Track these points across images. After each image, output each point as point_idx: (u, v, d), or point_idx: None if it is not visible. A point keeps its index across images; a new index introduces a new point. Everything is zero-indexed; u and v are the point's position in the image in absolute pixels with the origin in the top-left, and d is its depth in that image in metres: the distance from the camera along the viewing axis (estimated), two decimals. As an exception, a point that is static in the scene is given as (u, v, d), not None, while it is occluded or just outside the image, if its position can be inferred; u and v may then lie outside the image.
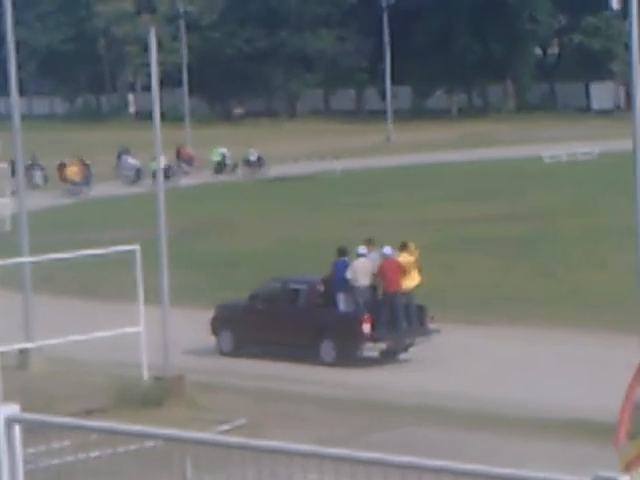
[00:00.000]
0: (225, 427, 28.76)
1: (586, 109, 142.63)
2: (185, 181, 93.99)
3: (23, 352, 36.19)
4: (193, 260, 49.46)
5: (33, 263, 39.02)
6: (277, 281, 38.72)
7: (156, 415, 28.90)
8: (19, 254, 39.12)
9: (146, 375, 33.55)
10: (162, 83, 41.47)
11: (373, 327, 38.07)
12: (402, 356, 39.06)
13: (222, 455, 10.35)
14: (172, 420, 27.00)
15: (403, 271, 39.64)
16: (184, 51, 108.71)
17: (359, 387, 35.63)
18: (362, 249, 40.88)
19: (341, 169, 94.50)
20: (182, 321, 37.73)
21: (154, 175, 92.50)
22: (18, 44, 43.99)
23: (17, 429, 10.08)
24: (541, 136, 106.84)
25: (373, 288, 39.34)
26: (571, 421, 28.79)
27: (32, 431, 10.44)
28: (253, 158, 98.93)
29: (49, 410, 22.01)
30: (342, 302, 38.85)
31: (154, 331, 34.86)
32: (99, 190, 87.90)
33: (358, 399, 33.74)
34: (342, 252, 40.88)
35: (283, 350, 36.60)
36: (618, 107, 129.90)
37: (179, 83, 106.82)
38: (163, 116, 40.56)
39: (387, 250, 40.39)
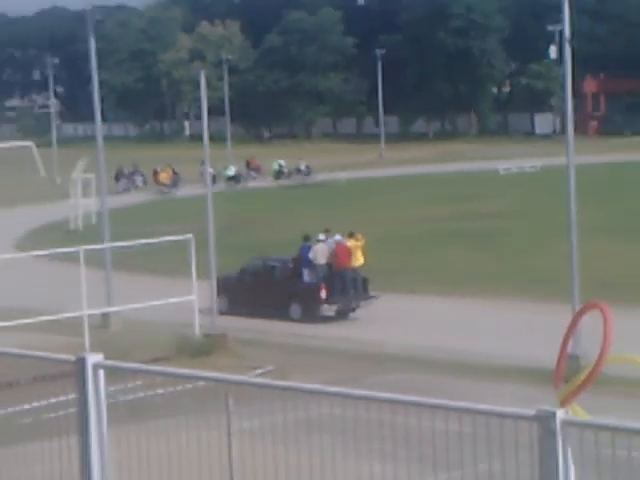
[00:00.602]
0: (258, 371, 28.79)
1: (531, 133, 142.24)
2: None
3: (105, 315, 36.31)
4: (233, 247, 49.22)
5: (113, 247, 39.09)
6: (260, 259, 39.28)
7: (205, 362, 28.92)
8: (102, 241, 39.18)
9: (198, 332, 33.64)
10: (209, 113, 41.33)
11: (328, 293, 39.23)
12: (351, 315, 40.08)
13: (256, 392, 10.35)
14: (217, 366, 27.05)
15: (350, 253, 40.59)
16: (226, 89, 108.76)
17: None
18: (321, 236, 41.99)
19: (346, 179, 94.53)
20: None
21: (226, 179, 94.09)
22: (101, 83, 44.06)
23: (101, 373, 10.05)
24: (497, 154, 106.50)
25: (329, 265, 40.25)
26: (516, 368, 28.70)
27: (112, 374, 10.41)
28: (302, 167, 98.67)
29: (125, 358, 21.98)
30: (306, 275, 40.06)
31: (203, 299, 34.98)
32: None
33: (345, 349, 33.79)
34: (306, 238, 41.94)
35: (263, 310, 37.15)
36: (555, 132, 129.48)
37: (222, 113, 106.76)
38: (211, 138, 40.66)
39: (338, 237, 41.62)
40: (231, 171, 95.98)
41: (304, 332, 37.43)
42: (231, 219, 58.55)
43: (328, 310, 39.43)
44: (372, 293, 40.44)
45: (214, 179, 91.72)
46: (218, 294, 38.73)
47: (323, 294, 39.27)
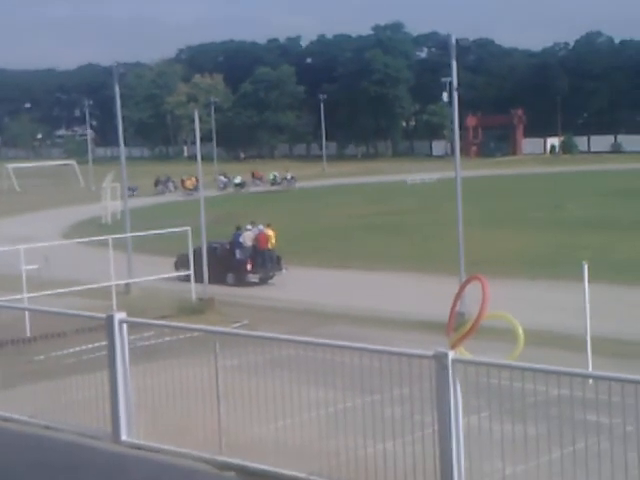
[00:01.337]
0: (237, 324, 28.63)
1: (430, 155, 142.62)
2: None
3: (127, 285, 36.12)
4: (218, 235, 48.97)
5: (133, 236, 38.91)
6: (207, 243, 38.49)
7: (199, 319, 28.78)
8: (124, 232, 39.01)
9: (194, 297, 33.51)
10: (201, 140, 41.28)
11: (253, 266, 39.99)
12: (270, 281, 40.36)
13: (236, 340, 10.34)
14: (208, 321, 26.95)
15: (268, 238, 41.22)
16: (213, 123, 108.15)
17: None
18: (248, 226, 42.72)
19: (298, 187, 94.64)
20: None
21: (235, 185, 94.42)
22: (123, 118, 43.82)
23: (125, 326, 10.03)
24: (405, 169, 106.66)
25: (254, 247, 40.86)
26: (417, 322, 28.63)
27: (132, 327, 10.37)
28: (289, 177, 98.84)
29: (141, 315, 21.89)
30: (238, 254, 40.41)
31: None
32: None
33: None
34: (238, 228, 42.39)
35: (210, 279, 36.07)
36: (447, 154, 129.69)
37: (210, 140, 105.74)
38: (202, 158, 40.44)
39: (261, 227, 42.29)
40: (238, 179, 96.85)
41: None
42: (221, 215, 58.14)
43: (253, 278, 39.97)
44: (284, 266, 40.85)
45: (226, 185, 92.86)
46: (177, 268, 39.07)
47: (249, 267, 40.06)
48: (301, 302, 33.45)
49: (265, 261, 40.59)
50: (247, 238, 41.29)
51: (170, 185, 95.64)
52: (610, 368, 16.18)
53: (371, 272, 40.64)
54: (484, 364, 8.00)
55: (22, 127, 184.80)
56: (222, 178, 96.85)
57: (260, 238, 41.13)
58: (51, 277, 34.39)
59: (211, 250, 39.15)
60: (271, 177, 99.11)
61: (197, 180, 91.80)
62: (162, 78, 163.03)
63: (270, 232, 41.76)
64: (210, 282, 35.82)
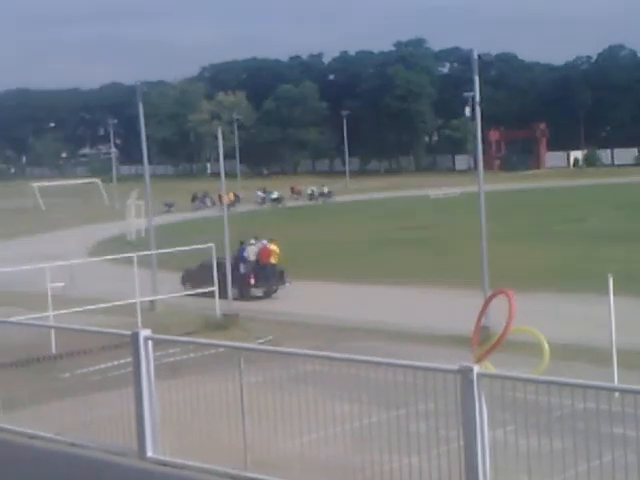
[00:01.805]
0: (261, 340, 28.54)
1: (453, 169, 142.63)
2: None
3: (152, 301, 36.13)
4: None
5: (157, 253, 38.95)
6: (212, 258, 38.24)
7: (224, 335, 28.77)
8: (149, 249, 39.07)
9: (218, 313, 33.50)
10: (224, 157, 41.23)
11: (256, 280, 39.96)
12: (274, 295, 40.16)
13: (260, 355, 10.34)
14: (232, 337, 26.91)
15: (270, 253, 41.19)
16: (236, 140, 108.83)
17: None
18: (252, 241, 42.62)
19: (322, 202, 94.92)
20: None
21: (272, 200, 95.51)
22: (147, 136, 43.94)
23: (150, 343, 10.04)
24: (428, 184, 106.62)
25: (257, 261, 40.86)
26: (443, 336, 28.39)
27: (158, 344, 10.39)
28: (325, 191, 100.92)
29: (166, 332, 21.91)
30: (242, 268, 40.16)
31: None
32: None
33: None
34: (242, 243, 42.35)
35: (214, 293, 35.85)
36: (470, 168, 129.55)
37: (234, 157, 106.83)
38: (225, 174, 40.53)
39: (264, 242, 42.30)
40: (274, 195, 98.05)
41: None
42: (249, 230, 57.84)
43: (256, 292, 40.07)
44: (287, 280, 40.66)
45: (264, 200, 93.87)
46: (183, 282, 39.49)
47: (252, 281, 40.12)
48: (325, 317, 33.32)
49: (268, 275, 40.60)
50: (251, 252, 41.59)
51: (207, 201, 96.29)
52: (636, 381, 16.08)
53: (395, 286, 40.47)
54: (510, 378, 7.97)
55: (47, 146, 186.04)
56: (260, 193, 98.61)
57: (263, 253, 41.40)
58: (76, 295, 34.48)
59: (217, 265, 39.37)
60: (309, 192, 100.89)
61: (235, 195, 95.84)
62: (185, 96, 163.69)
63: (273, 247, 41.81)
64: (214, 296, 35.96)
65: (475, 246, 32.34)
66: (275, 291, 40.40)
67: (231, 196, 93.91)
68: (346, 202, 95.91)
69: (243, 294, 39.42)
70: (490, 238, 32.30)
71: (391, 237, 58.44)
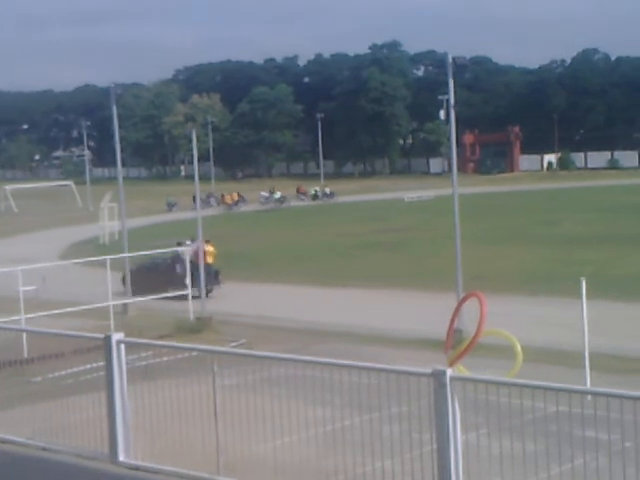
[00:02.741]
0: (234, 344, 28.48)
1: (427, 172, 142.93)
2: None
3: (125, 304, 36.02)
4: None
5: (130, 256, 38.86)
6: (152, 258, 38.02)
7: (197, 338, 28.71)
8: (122, 252, 38.92)
9: (192, 316, 33.42)
10: (198, 159, 41.17)
11: (192, 280, 38.32)
12: (209, 294, 39.16)
13: (233, 359, 10.32)
14: (205, 340, 26.88)
15: (206, 254, 40.83)
16: (210, 142, 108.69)
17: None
18: (188, 242, 42.95)
19: (293, 205, 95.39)
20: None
21: (276, 201, 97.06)
22: (121, 139, 43.87)
23: (122, 346, 10.01)
24: (403, 187, 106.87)
25: (192, 262, 39.41)
26: (415, 339, 28.29)
27: (130, 347, 10.36)
28: (328, 192, 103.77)
29: (139, 335, 21.85)
30: (178, 268, 39.79)
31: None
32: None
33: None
34: (179, 244, 42.64)
35: (152, 292, 35.84)
36: (444, 171, 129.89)
37: (208, 159, 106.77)
38: (199, 177, 40.40)
39: (200, 243, 41.69)
40: (278, 195, 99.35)
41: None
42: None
43: (192, 292, 39.05)
44: (221, 280, 40.83)
45: (267, 200, 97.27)
46: (124, 283, 39.50)
47: (188, 281, 39.17)
48: (300, 321, 33.27)
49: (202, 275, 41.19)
50: (187, 253, 41.97)
51: (212, 200, 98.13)
52: (608, 384, 16.16)
53: (368, 290, 40.46)
54: (482, 381, 7.99)
55: (20, 148, 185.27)
56: (264, 194, 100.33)
57: (199, 253, 41.71)
58: (49, 298, 34.33)
59: (154, 265, 39.31)
60: (312, 192, 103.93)
61: (240, 196, 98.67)
62: (159, 98, 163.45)
63: (209, 248, 42.12)
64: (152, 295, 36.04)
65: (449, 249, 32.38)
66: (210, 291, 40.04)
67: (235, 196, 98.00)
68: (315, 206, 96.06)
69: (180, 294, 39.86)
70: (464, 241, 32.34)
71: (365, 241, 58.48)
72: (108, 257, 33.46)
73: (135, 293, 37.74)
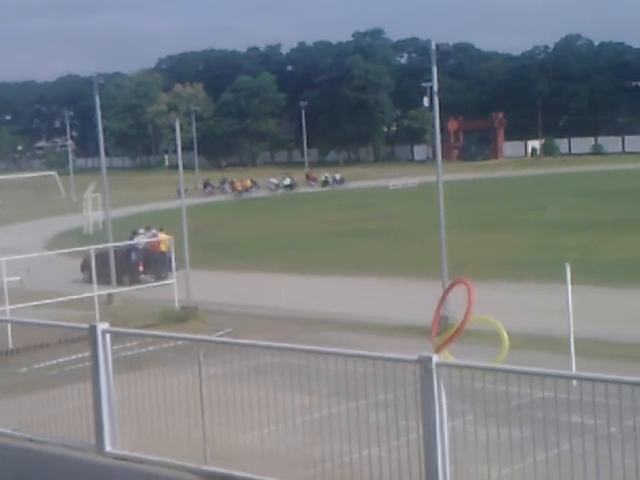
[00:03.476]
0: (220, 332, 28.40)
1: (411, 160, 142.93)
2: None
3: (110, 295, 35.93)
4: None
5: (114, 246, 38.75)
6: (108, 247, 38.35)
7: (183, 327, 28.65)
8: (107, 242, 38.79)
9: (177, 306, 33.36)
10: (182, 149, 41.12)
11: (144, 267, 41.46)
12: (165, 282, 37.91)
13: (219, 348, 10.32)
14: (191, 330, 26.81)
15: (159, 242, 42.51)
16: (194, 131, 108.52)
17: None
18: (141, 230, 45.90)
19: (281, 193, 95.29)
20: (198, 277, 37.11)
21: (284, 187, 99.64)
22: (104, 129, 43.87)
23: (108, 336, 10.00)
24: (387, 175, 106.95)
25: (146, 249, 42.35)
26: (401, 326, 28.29)
27: (116, 337, 10.34)
28: (338, 178, 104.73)
29: (125, 325, 21.83)
30: (133, 256, 41.70)
31: (181, 282, 34.57)
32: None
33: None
34: (134, 232, 45.57)
35: (109, 279, 36.52)
36: (428, 158, 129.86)
37: (192, 148, 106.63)
38: (183, 166, 40.33)
39: (154, 231, 44.80)
40: (287, 181, 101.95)
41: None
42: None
43: (145, 278, 40.80)
44: (175, 268, 39.99)
45: (277, 187, 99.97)
46: (82, 270, 40.59)
47: (141, 268, 41.56)
48: (287, 310, 33.26)
49: (157, 263, 41.74)
50: (140, 241, 43.59)
51: (226, 187, 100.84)
52: (594, 369, 16.22)
53: (352, 277, 40.50)
54: (468, 367, 8.01)
55: (2, 139, 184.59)
56: (273, 180, 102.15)
57: (154, 242, 43.08)
58: (33, 289, 34.25)
59: (114, 253, 39.88)
60: (322, 178, 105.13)
61: (253, 182, 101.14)
62: (142, 88, 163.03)
63: (163, 236, 43.00)
64: (110, 283, 36.17)
65: (434, 236, 32.39)
66: (165, 278, 39.60)
67: (248, 182, 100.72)
68: (305, 193, 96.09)
69: (133, 280, 40.32)
70: (449, 228, 32.36)
71: (350, 228, 58.49)
72: (92, 247, 33.39)
73: (91, 280, 38.27)
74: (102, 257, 36.73)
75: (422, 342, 18.95)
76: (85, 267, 40.20)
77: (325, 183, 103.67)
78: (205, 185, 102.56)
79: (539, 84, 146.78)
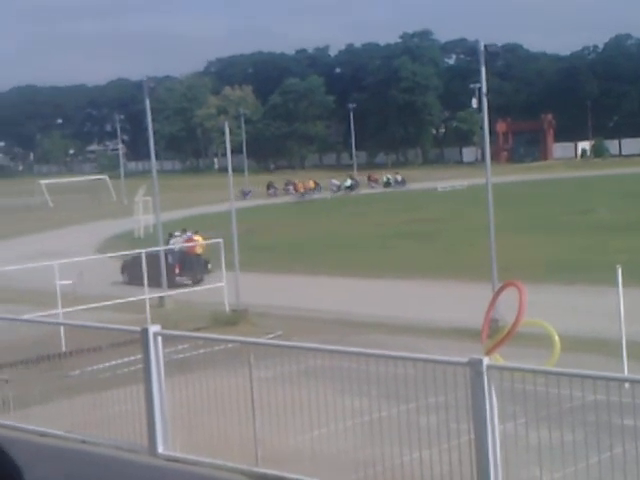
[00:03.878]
0: (271, 335, 28.38)
1: (460, 162, 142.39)
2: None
3: (161, 298, 36.07)
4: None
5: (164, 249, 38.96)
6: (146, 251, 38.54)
7: (233, 330, 28.71)
8: (158, 245, 39.00)
9: (228, 308, 33.43)
10: (231, 152, 41.19)
11: (181, 270, 41.10)
12: (201, 284, 39.16)
13: (270, 351, 10.33)
14: (242, 332, 26.87)
15: (195, 244, 43.20)
16: (243, 134, 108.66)
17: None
18: (177, 233, 46.71)
19: (331, 196, 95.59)
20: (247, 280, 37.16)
21: (345, 188, 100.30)
22: (155, 132, 44.03)
23: (159, 339, 10.05)
24: (435, 177, 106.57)
25: (182, 252, 42.71)
26: (452, 329, 28.28)
27: (167, 340, 10.39)
28: (399, 179, 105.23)
29: (176, 328, 21.92)
30: (169, 258, 40.69)
31: (231, 286, 34.59)
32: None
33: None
34: (170, 235, 45.97)
35: (149, 282, 35.83)
36: (477, 160, 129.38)
37: (241, 151, 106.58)
38: (232, 169, 40.39)
39: (189, 233, 45.60)
40: (348, 183, 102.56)
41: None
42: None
43: (181, 280, 40.63)
44: (211, 270, 41.15)
45: (339, 188, 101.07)
46: (122, 272, 41.47)
47: (177, 270, 41.20)
48: (337, 312, 33.17)
49: (193, 265, 42.09)
50: (177, 244, 44.06)
51: (290, 188, 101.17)
52: (647, 372, 16.06)
53: (402, 280, 40.38)
54: (518, 369, 7.97)
55: (54, 143, 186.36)
56: (334, 182, 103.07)
57: (188, 244, 43.64)
58: (86, 292, 34.51)
59: (148, 255, 39.92)
60: (384, 180, 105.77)
61: (316, 183, 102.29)
62: (192, 91, 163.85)
63: (198, 238, 43.80)
64: (150, 285, 36.21)
65: (484, 238, 32.23)
66: (201, 280, 40.51)
67: (311, 184, 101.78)
68: (355, 196, 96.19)
69: (170, 283, 39.78)
70: (498, 230, 32.18)
71: (399, 231, 58.34)
72: (143, 250, 33.60)
73: (130, 282, 38.76)
74: (139, 260, 36.84)
75: (472, 345, 18.86)
76: (125, 269, 41.09)
77: (387, 184, 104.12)
78: (268, 187, 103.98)
79: (588, 84, 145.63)
